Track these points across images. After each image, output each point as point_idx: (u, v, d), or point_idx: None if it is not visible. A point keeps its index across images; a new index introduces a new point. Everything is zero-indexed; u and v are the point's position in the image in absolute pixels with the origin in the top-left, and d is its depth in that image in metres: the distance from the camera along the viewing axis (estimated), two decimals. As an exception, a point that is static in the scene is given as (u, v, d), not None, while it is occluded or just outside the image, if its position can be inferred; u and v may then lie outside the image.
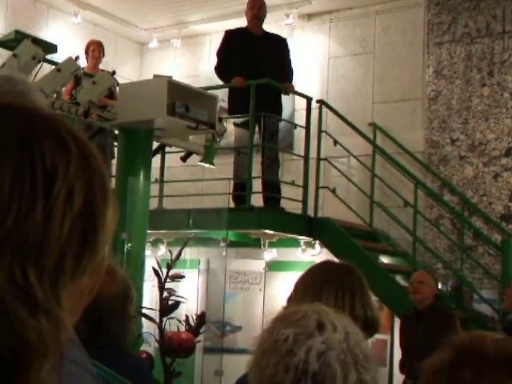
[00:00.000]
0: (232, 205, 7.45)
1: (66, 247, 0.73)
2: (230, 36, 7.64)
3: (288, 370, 1.26)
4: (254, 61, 7.38)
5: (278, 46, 7.67)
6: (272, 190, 7.62)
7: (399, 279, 7.46)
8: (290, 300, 2.28)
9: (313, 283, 2.22)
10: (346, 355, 1.28)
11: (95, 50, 8.20)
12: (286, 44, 7.81)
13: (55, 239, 0.72)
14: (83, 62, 7.95)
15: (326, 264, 2.35)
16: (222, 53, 7.61)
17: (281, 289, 8.48)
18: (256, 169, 7.53)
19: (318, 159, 7.83)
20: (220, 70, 7.56)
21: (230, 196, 7.54)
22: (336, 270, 2.26)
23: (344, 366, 1.27)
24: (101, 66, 8.16)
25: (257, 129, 7.52)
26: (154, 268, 5.45)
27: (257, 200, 7.56)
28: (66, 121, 0.81)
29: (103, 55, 8.33)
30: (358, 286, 2.19)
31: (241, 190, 7.48)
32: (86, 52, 8.24)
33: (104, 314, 2.23)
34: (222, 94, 7.41)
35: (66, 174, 0.74)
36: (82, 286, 0.77)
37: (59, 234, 0.73)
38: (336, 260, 6.39)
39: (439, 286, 7.72)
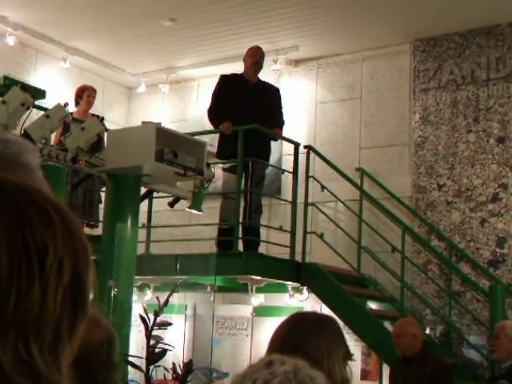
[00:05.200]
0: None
1: (62, 317, 0.77)
2: (225, 80, 7.73)
3: None
4: (246, 107, 7.46)
5: (271, 95, 7.79)
6: (254, 235, 7.61)
7: (387, 325, 7.41)
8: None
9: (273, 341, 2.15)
10: (291, 382, 1.28)
11: (90, 95, 8.24)
12: (279, 94, 7.91)
13: (52, 311, 0.76)
14: (73, 107, 7.98)
15: (288, 320, 2.25)
16: (216, 97, 7.67)
17: (268, 334, 8.41)
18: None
19: (306, 204, 7.84)
20: (212, 113, 7.61)
21: (214, 241, 7.54)
22: (292, 330, 2.15)
23: None
24: (90, 111, 8.20)
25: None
26: (141, 315, 5.40)
27: (241, 246, 7.54)
28: (44, 191, 0.83)
29: (94, 100, 8.37)
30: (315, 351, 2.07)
31: (225, 235, 7.47)
32: (78, 95, 8.26)
33: (89, 362, 2.20)
34: (210, 139, 7.45)
35: (55, 247, 0.77)
36: (72, 346, 0.80)
37: (54, 305, 0.76)
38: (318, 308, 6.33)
39: (427, 332, 7.69)
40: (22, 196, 0.79)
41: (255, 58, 7.76)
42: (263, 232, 8.00)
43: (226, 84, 7.69)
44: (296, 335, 2.13)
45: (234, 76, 7.80)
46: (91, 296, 0.82)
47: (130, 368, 5.26)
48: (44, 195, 0.81)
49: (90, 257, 0.82)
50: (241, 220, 7.41)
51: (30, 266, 0.74)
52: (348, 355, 2.15)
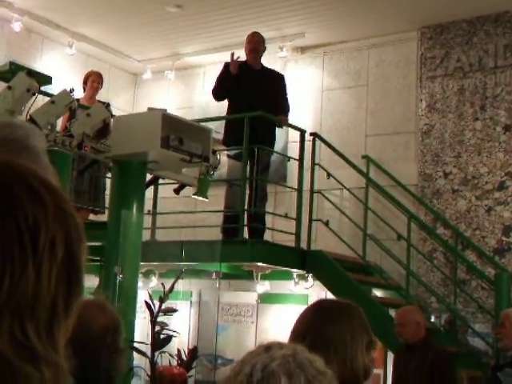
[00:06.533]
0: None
1: (57, 296, 0.77)
2: (229, 68, 7.69)
3: None
4: (251, 94, 7.43)
5: (276, 81, 7.75)
6: (259, 222, 7.61)
7: (392, 313, 7.41)
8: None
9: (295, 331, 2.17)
10: (290, 364, 1.28)
11: (95, 80, 8.22)
12: (284, 80, 7.89)
13: (46, 291, 0.75)
14: (80, 92, 7.97)
15: (312, 307, 2.25)
16: (220, 80, 7.66)
17: (273, 321, 8.44)
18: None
19: (312, 192, 7.83)
20: (216, 93, 7.62)
21: (220, 228, 7.54)
22: (312, 321, 2.16)
23: (290, 374, 1.27)
24: (97, 97, 8.19)
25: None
26: (146, 302, 5.41)
27: (247, 233, 7.54)
28: (34, 169, 0.82)
29: (101, 86, 8.35)
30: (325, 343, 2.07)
31: (231, 222, 7.46)
32: (85, 82, 8.27)
33: (94, 346, 2.21)
34: (216, 125, 7.44)
35: (47, 227, 0.77)
36: (68, 325, 0.80)
37: (48, 285, 0.76)
38: (328, 296, 6.34)
39: (432, 320, 7.69)
40: (12, 175, 0.78)
41: (251, 44, 7.71)
42: (269, 219, 7.99)
43: (230, 71, 7.65)
44: (320, 322, 2.14)
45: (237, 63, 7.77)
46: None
47: (135, 354, 5.27)
48: (35, 174, 0.80)
49: (82, 235, 0.82)
50: (246, 207, 7.41)
51: (23, 247, 0.74)
52: (371, 344, 2.16)
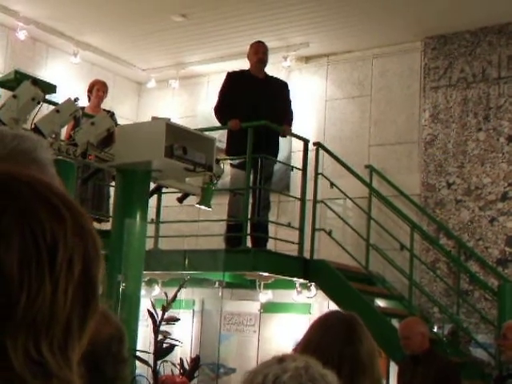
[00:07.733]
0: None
1: (72, 314, 0.76)
2: (232, 78, 7.71)
3: None
4: (254, 103, 7.44)
5: (279, 90, 7.75)
6: (262, 231, 7.62)
7: (395, 323, 7.41)
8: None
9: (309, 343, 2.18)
10: (302, 377, 1.29)
11: (100, 89, 8.25)
12: (288, 88, 7.88)
13: (62, 309, 0.75)
14: (85, 101, 8.00)
15: (324, 325, 2.26)
16: (222, 94, 7.66)
17: (276, 331, 8.43)
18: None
19: (315, 201, 7.83)
20: (219, 111, 7.61)
21: (223, 237, 7.55)
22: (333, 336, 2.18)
23: None
24: (102, 106, 8.22)
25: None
26: (148, 310, 5.41)
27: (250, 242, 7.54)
28: (52, 184, 0.82)
29: (106, 95, 8.38)
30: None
31: (234, 231, 7.47)
32: (90, 91, 8.30)
33: (99, 355, 2.21)
34: (219, 135, 7.46)
35: (66, 244, 0.76)
36: (82, 344, 0.80)
37: (64, 303, 0.75)
38: (335, 309, 6.33)
39: (435, 330, 7.68)
40: (32, 192, 0.77)
41: (258, 55, 7.72)
42: (271, 228, 7.99)
43: (233, 81, 7.67)
44: (344, 342, 2.15)
45: (240, 72, 7.78)
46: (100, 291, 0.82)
47: (137, 363, 5.27)
48: (53, 189, 0.80)
49: (100, 252, 0.81)
50: (249, 216, 7.41)
51: (41, 263, 0.73)
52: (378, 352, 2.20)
